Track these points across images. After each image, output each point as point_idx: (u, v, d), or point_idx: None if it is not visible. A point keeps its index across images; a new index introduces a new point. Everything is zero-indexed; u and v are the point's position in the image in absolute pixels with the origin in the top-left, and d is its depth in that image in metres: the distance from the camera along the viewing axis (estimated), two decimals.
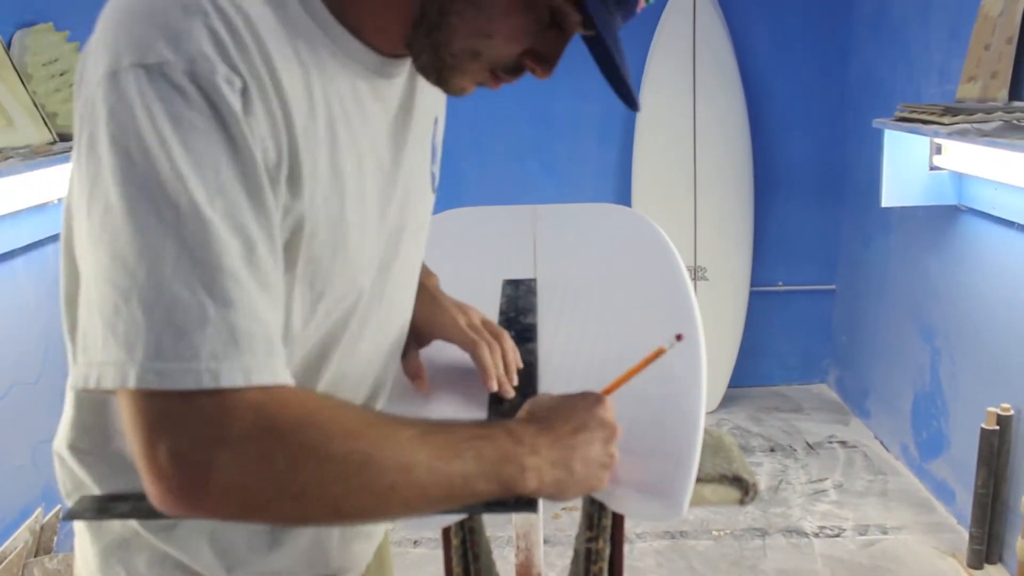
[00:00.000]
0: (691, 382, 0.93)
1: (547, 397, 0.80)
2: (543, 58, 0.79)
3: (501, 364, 0.96)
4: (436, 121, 0.93)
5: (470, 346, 0.96)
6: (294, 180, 0.69)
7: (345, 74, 0.74)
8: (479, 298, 1.15)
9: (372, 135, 0.79)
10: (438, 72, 0.75)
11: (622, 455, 0.79)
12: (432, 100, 0.90)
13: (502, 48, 0.75)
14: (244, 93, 0.64)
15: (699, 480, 0.88)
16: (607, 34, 0.76)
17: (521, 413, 0.79)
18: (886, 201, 2.63)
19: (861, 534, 2.63)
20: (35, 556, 2.28)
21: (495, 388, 0.95)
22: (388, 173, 0.82)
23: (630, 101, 0.82)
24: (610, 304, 1.12)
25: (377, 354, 0.90)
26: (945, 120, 2.15)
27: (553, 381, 0.97)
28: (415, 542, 2.60)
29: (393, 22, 0.74)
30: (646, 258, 1.26)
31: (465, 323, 0.98)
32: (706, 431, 0.95)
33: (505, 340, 0.99)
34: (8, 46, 2.25)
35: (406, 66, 0.81)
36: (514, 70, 0.78)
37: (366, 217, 0.79)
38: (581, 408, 0.78)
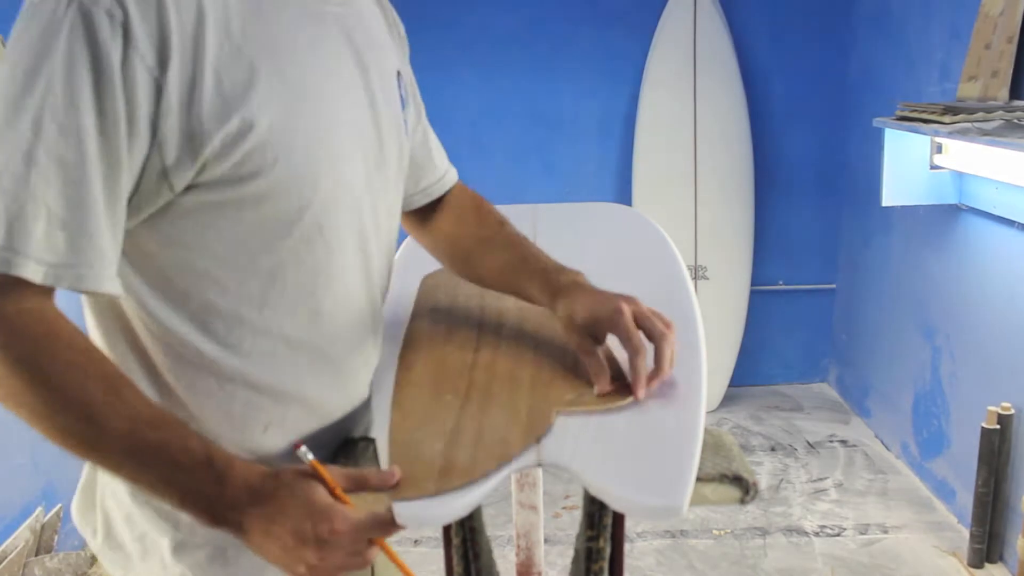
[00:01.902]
0: (691, 381, 0.93)
1: (297, 479, 0.75)
2: None
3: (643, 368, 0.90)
4: (399, 74, 0.97)
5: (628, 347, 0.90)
6: (229, 93, 0.74)
7: None
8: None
9: (333, 50, 0.84)
10: None
11: (624, 451, 0.79)
12: (385, 53, 0.95)
13: None
14: (125, 25, 0.69)
15: (699, 479, 0.88)
16: None
17: (277, 470, 0.76)
18: (887, 200, 2.63)
19: (862, 533, 2.62)
20: (35, 555, 2.29)
21: (607, 390, 0.89)
22: (352, 87, 0.87)
23: None
24: None
25: (366, 298, 0.92)
26: (946, 119, 2.15)
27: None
28: (415, 541, 2.60)
29: None
30: (647, 258, 1.26)
31: (631, 315, 0.91)
32: (706, 430, 0.95)
33: (666, 342, 0.91)
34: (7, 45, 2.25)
35: None
36: None
37: (337, 117, 0.83)
38: (300, 524, 0.73)
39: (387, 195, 0.95)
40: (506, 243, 1.06)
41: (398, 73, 0.97)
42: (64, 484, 2.51)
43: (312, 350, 0.88)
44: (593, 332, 0.93)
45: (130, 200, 0.75)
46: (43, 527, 2.33)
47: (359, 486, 0.78)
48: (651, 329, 0.91)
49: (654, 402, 0.89)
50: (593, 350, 0.92)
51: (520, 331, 1.06)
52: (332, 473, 0.77)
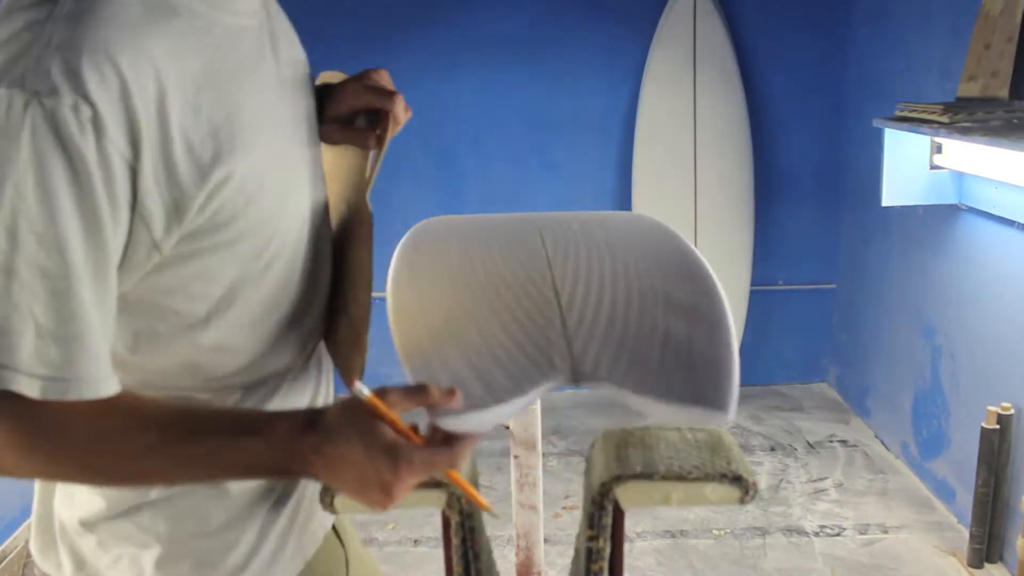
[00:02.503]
0: (718, 322, 0.92)
1: (350, 414, 0.74)
2: None
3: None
4: (312, 77, 0.98)
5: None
6: (201, 166, 0.74)
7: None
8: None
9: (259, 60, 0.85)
10: None
11: (661, 368, 0.78)
12: (298, 50, 0.96)
13: None
14: (95, 120, 0.66)
15: (699, 479, 0.88)
16: None
17: (320, 410, 0.77)
18: (886, 200, 2.63)
19: (861, 533, 2.63)
20: None
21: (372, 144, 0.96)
22: (292, 103, 0.89)
23: None
24: (623, 266, 1.10)
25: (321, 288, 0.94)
26: (945, 119, 2.15)
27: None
28: (415, 541, 2.60)
29: None
30: (659, 240, 1.25)
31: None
32: (706, 430, 0.95)
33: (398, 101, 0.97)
34: None
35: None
36: None
37: (287, 150, 0.86)
38: (370, 457, 0.72)
39: (320, 199, 0.97)
40: None
41: (311, 76, 1.01)
42: None
43: (281, 348, 0.91)
44: (352, 110, 0.98)
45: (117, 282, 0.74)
46: None
47: (422, 402, 0.76)
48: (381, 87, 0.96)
49: (684, 335, 0.88)
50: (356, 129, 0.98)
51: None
52: (394, 396, 0.75)
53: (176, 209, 0.73)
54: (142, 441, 0.73)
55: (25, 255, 0.66)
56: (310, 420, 0.75)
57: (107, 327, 0.73)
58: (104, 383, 0.72)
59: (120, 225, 0.70)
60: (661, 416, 0.78)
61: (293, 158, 0.88)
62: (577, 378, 0.81)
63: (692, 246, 1.17)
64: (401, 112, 0.97)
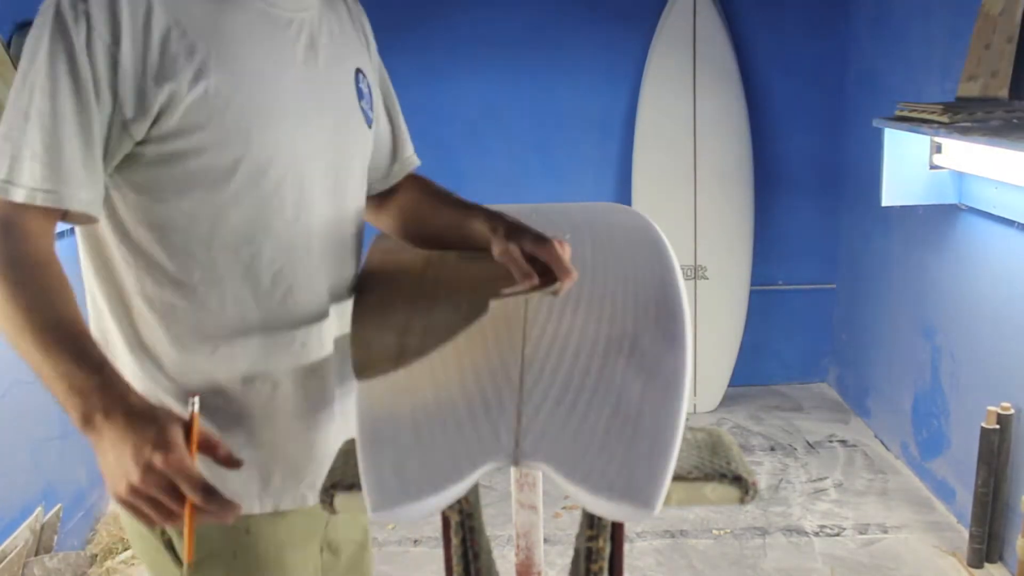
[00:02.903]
0: (673, 380, 0.92)
1: (139, 402, 0.85)
2: None
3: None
4: (359, 71, 1.14)
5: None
6: (166, 66, 0.94)
7: None
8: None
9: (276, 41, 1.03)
10: None
11: (599, 450, 0.79)
12: (345, 52, 1.12)
13: None
14: (87, 13, 0.91)
15: (699, 479, 0.88)
16: None
17: (140, 399, 0.86)
18: (886, 200, 2.63)
19: (861, 533, 2.63)
20: (35, 555, 2.29)
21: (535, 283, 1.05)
22: (302, 68, 1.05)
23: None
24: (597, 303, 1.12)
25: (323, 260, 1.08)
26: (945, 119, 2.15)
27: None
28: (415, 541, 2.60)
29: None
30: (640, 256, 1.26)
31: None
32: (705, 430, 0.95)
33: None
34: (8, 45, 2.25)
35: None
36: None
37: (278, 96, 1.01)
38: (147, 442, 0.81)
39: (340, 169, 1.10)
40: (451, 198, 1.25)
41: (358, 70, 1.15)
42: (64, 484, 2.51)
43: (255, 288, 1.03)
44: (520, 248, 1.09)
45: (105, 149, 0.95)
46: (43, 527, 2.33)
47: (208, 450, 0.88)
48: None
49: (633, 399, 0.89)
50: (519, 258, 1.07)
51: (465, 262, 1.20)
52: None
53: (142, 99, 0.93)
54: (24, 293, 0.89)
55: (37, 105, 0.91)
56: (143, 401, 0.85)
57: (90, 168, 0.94)
58: (76, 202, 0.93)
59: (101, 96, 0.93)
60: (590, 506, 0.80)
61: (280, 96, 1.02)
62: (517, 459, 0.83)
63: (674, 265, 1.17)
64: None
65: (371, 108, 1.17)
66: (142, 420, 0.83)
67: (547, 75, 3.45)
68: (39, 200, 0.92)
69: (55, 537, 2.38)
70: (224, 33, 0.98)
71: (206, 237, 1.01)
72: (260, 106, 1.00)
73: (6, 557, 2.14)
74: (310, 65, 1.05)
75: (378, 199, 1.29)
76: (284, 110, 1.02)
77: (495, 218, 1.12)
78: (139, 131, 0.95)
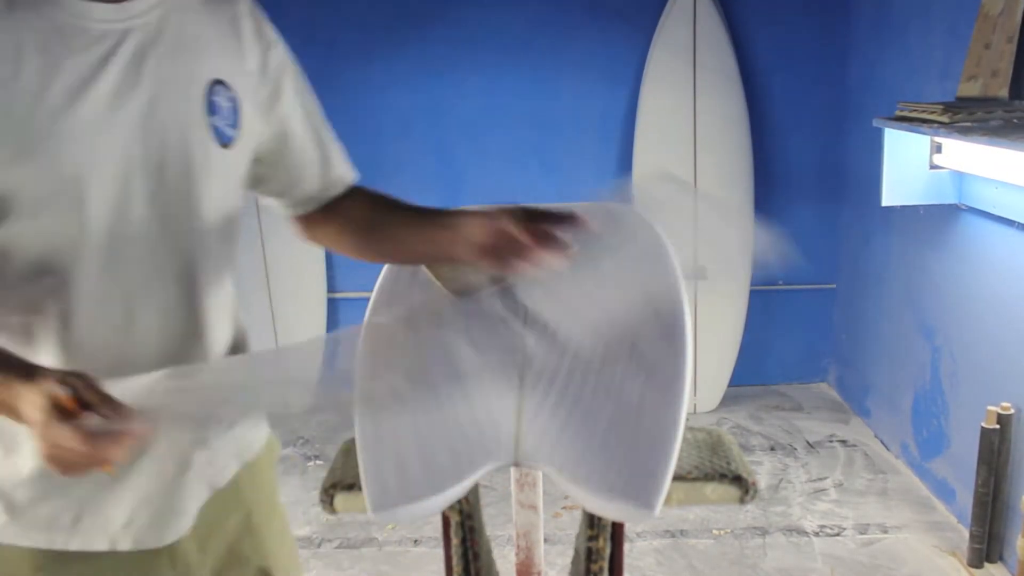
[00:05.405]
0: (674, 382, 0.93)
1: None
2: None
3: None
4: (218, 83, 0.99)
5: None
6: None
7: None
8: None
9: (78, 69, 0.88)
10: None
11: (600, 452, 0.79)
12: (195, 63, 0.98)
13: None
14: None
15: (699, 479, 0.88)
16: None
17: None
18: (886, 200, 2.63)
19: (861, 533, 2.62)
20: None
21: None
22: (110, 97, 0.90)
23: None
24: (598, 303, 1.12)
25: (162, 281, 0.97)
26: (945, 119, 2.15)
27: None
28: (415, 541, 2.60)
29: None
30: (641, 256, 1.26)
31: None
32: (706, 430, 0.95)
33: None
34: None
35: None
36: None
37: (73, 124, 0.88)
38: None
39: (167, 200, 0.97)
40: (406, 203, 1.15)
41: (214, 82, 0.99)
42: None
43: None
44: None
45: None
46: None
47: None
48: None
49: (633, 402, 0.89)
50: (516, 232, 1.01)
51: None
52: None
53: None
54: None
55: None
56: (30, 371, 0.83)
57: None
58: None
59: None
60: (590, 506, 0.80)
61: (89, 155, 0.90)
62: (517, 459, 0.82)
63: (674, 265, 1.17)
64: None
65: (234, 124, 1.01)
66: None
67: (547, 75, 3.45)
68: None
69: None
70: (4, 89, 0.84)
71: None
72: (67, 185, 0.88)
73: None
74: (127, 83, 0.92)
75: (316, 216, 1.18)
76: (102, 174, 0.90)
77: (463, 210, 1.08)
78: None
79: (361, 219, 1.17)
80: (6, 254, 0.89)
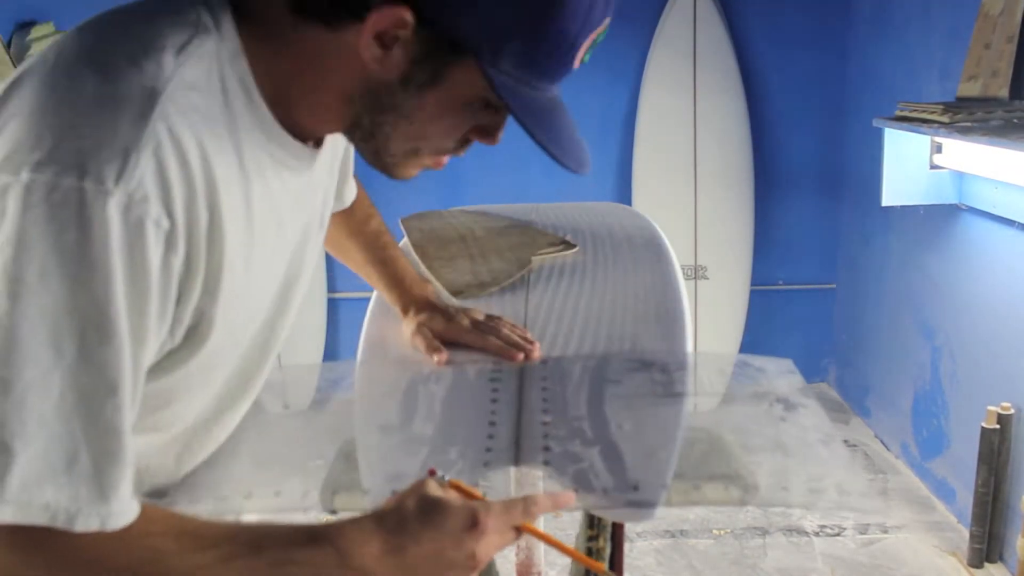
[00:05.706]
0: (675, 384, 0.93)
1: (416, 500, 0.71)
2: (487, 132, 0.82)
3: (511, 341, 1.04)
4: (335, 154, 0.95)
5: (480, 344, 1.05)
6: (211, 288, 0.72)
7: (277, 170, 0.77)
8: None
9: (286, 215, 0.82)
10: (383, 168, 0.79)
11: (597, 452, 0.79)
12: (326, 197, 0.94)
13: (440, 142, 0.79)
14: (169, 235, 0.65)
15: (699, 479, 0.88)
16: (525, 113, 0.81)
17: (382, 507, 0.73)
18: (886, 200, 2.63)
19: (861, 533, 2.63)
20: None
21: (521, 358, 1.02)
22: (293, 242, 0.85)
23: (568, 164, 0.86)
24: (598, 303, 1.12)
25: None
26: (945, 119, 2.15)
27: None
28: None
29: (328, 123, 0.78)
30: (641, 257, 1.26)
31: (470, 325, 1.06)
32: (705, 430, 0.95)
33: (503, 323, 1.07)
34: (8, 45, 2.26)
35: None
36: (460, 146, 0.81)
37: (264, 288, 0.84)
38: (448, 531, 0.69)
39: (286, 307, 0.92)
40: (371, 242, 1.18)
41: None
42: None
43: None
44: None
45: None
46: None
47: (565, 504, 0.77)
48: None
49: (636, 404, 0.89)
50: (431, 339, 1.06)
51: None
52: (544, 503, 0.74)
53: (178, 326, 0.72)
54: (199, 560, 0.68)
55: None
56: (377, 519, 0.72)
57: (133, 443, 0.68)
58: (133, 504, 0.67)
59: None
60: (589, 506, 0.80)
61: (260, 290, 0.84)
62: (517, 459, 0.83)
63: (674, 265, 1.18)
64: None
65: (339, 183, 1.04)
66: (414, 527, 0.70)
67: None
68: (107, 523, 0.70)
69: None
70: (251, 221, 0.75)
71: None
72: (246, 311, 0.82)
73: None
74: (294, 238, 0.86)
75: None
76: (263, 304, 0.85)
77: (410, 303, 1.11)
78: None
79: (331, 237, 1.16)
80: (193, 362, 0.79)
